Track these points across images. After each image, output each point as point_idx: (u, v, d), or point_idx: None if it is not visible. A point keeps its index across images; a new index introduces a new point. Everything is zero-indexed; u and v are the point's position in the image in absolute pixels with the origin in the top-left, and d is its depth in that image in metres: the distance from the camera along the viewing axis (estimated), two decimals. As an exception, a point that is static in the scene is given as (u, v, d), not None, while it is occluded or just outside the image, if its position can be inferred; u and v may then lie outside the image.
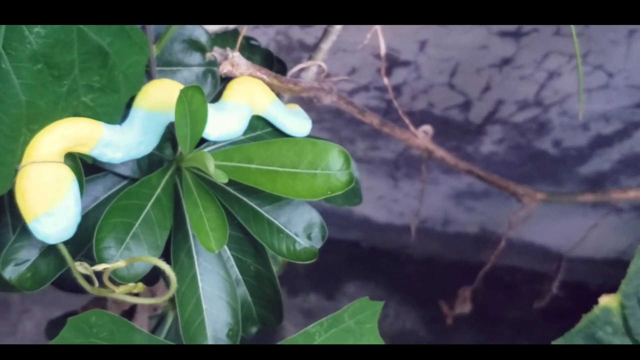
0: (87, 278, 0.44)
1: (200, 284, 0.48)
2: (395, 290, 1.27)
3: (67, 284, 0.50)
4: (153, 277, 0.51)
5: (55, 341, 0.41)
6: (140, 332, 0.43)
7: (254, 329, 0.53)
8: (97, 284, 0.44)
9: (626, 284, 0.60)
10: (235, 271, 0.52)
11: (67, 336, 0.41)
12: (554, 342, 0.59)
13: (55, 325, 0.64)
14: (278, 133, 0.52)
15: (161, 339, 0.44)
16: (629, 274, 0.60)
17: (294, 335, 0.45)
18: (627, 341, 0.59)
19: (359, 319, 0.47)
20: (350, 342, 0.46)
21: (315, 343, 0.45)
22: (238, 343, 0.49)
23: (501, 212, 1.08)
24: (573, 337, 0.60)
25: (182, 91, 0.41)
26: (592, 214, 1.12)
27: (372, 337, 0.47)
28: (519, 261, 1.29)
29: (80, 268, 0.43)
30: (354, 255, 1.34)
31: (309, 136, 0.52)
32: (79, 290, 0.47)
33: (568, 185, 1.10)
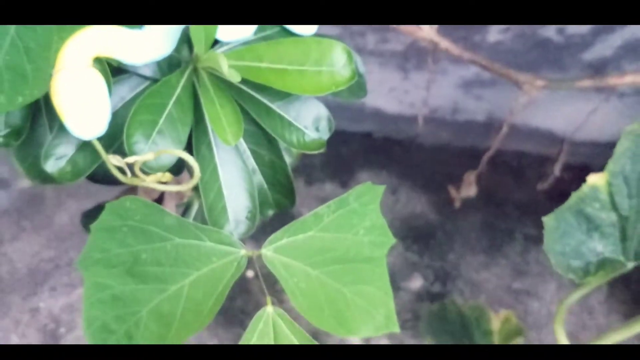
0: (120, 170, 0.49)
1: (220, 173, 0.52)
2: (406, 177, 1.31)
3: (100, 176, 0.54)
4: (178, 169, 0.56)
5: (95, 224, 0.47)
6: (169, 215, 0.48)
7: (270, 212, 0.58)
8: (129, 174, 0.48)
9: (613, 163, 0.63)
10: (251, 162, 0.56)
11: (105, 219, 0.47)
12: (544, 218, 0.63)
13: (89, 216, 0.68)
14: (286, 32, 0.53)
15: (189, 220, 0.50)
16: (616, 154, 0.63)
17: (305, 216, 0.50)
18: (612, 216, 0.63)
19: (363, 201, 0.51)
20: (354, 222, 0.50)
21: (323, 223, 0.50)
22: (256, 224, 0.54)
23: (509, 99, 1.10)
24: (563, 213, 0.64)
25: (195, -3, 0.44)
26: (596, 98, 1.14)
27: (374, 216, 0.51)
28: (526, 146, 1.31)
29: (114, 160, 0.47)
30: (367, 145, 1.36)
31: (315, 34, 0.54)
32: (112, 181, 0.52)
33: (572, 71, 1.12)
